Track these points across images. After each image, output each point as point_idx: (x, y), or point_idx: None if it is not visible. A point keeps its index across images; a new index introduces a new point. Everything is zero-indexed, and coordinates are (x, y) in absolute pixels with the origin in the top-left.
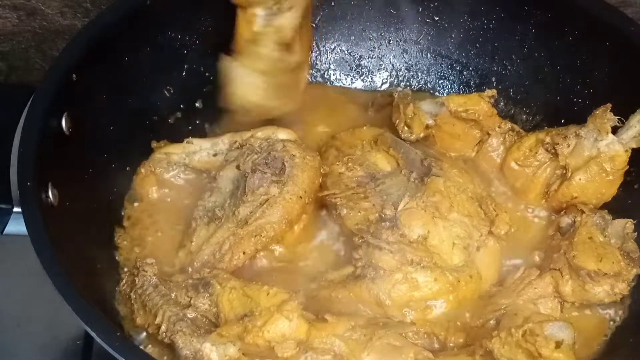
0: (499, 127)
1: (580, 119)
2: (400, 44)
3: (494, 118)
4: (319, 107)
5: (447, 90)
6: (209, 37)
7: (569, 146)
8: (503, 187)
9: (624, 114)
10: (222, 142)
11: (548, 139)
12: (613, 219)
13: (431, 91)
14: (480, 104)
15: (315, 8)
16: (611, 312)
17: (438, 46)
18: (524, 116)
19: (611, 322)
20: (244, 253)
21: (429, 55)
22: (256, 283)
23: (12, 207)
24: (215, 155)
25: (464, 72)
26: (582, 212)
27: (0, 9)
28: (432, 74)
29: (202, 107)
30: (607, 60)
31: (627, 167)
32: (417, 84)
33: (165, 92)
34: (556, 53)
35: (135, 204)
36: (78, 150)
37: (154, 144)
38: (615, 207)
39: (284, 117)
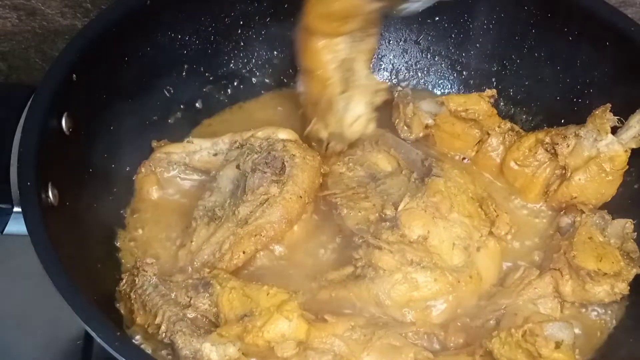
0: (499, 126)
1: (580, 119)
2: (400, 44)
3: (494, 118)
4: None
5: (447, 90)
6: (209, 37)
7: (568, 146)
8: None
9: (623, 114)
10: (223, 142)
11: (548, 139)
12: (613, 219)
13: (432, 91)
14: (480, 104)
15: None
16: (611, 312)
17: (438, 46)
18: (524, 116)
19: (611, 322)
20: (243, 253)
21: (429, 55)
22: (256, 283)
23: (12, 207)
24: (215, 154)
25: (464, 72)
26: (582, 212)
27: (0, 9)
28: (432, 74)
29: (202, 107)
30: (607, 60)
31: (627, 167)
32: (417, 84)
33: (165, 92)
34: (556, 53)
35: (135, 204)
36: (78, 150)
37: (154, 144)
38: (615, 207)
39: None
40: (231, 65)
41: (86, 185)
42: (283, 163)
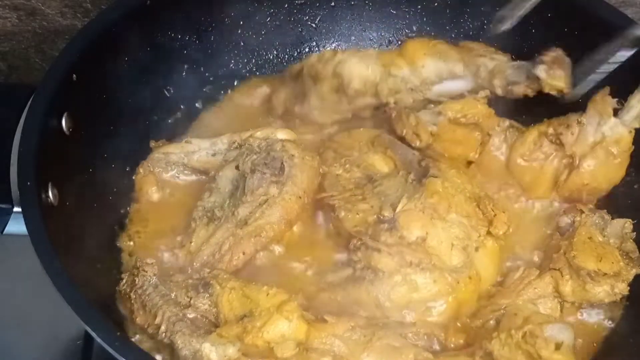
0: (498, 125)
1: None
2: (400, 44)
3: (493, 118)
4: None
5: None
6: (209, 37)
7: (573, 134)
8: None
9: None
10: (221, 142)
11: (551, 130)
12: (612, 218)
13: None
14: (477, 107)
15: (315, 8)
16: (611, 312)
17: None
18: (524, 116)
19: (610, 323)
20: (243, 253)
21: None
22: (256, 283)
23: (12, 207)
24: (214, 155)
25: None
26: (582, 212)
27: (0, 9)
28: None
29: (202, 107)
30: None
31: (633, 147)
32: None
33: (165, 92)
34: None
35: (135, 204)
36: (78, 150)
37: (152, 144)
38: (615, 207)
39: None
40: (231, 65)
41: (86, 185)
42: (282, 163)
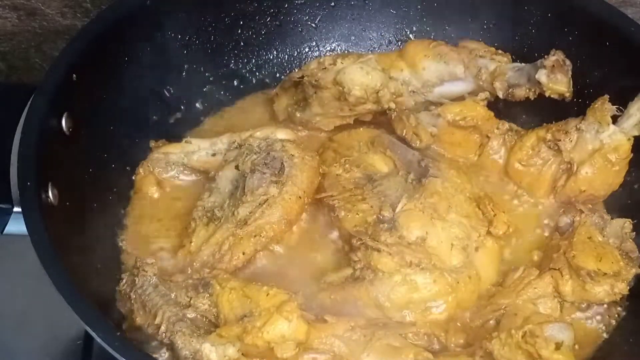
0: (498, 128)
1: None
2: (400, 44)
3: (492, 120)
4: None
5: None
6: (209, 37)
7: (571, 141)
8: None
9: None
10: (221, 142)
11: (549, 136)
12: (612, 218)
13: None
14: (477, 109)
15: (315, 8)
16: (610, 311)
17: None
18: (524, 116)
19: (610, 322)
20: (243, 253)
21: None
22: (256, 283)
23: (12, 207)
24: (214, 155)
25: None
26: (581, 212)
27: (0, 9)
28: None
29: (202, 107)
30: (607, 60)
31: (632, 155)
32: None
33: (165, 92)
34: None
35: (135, 204)
36: (78, 150)
37: (152, 144)
38: (615, 207)
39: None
40: (231, 65)
41: (86, 185)
42: (282, 163)
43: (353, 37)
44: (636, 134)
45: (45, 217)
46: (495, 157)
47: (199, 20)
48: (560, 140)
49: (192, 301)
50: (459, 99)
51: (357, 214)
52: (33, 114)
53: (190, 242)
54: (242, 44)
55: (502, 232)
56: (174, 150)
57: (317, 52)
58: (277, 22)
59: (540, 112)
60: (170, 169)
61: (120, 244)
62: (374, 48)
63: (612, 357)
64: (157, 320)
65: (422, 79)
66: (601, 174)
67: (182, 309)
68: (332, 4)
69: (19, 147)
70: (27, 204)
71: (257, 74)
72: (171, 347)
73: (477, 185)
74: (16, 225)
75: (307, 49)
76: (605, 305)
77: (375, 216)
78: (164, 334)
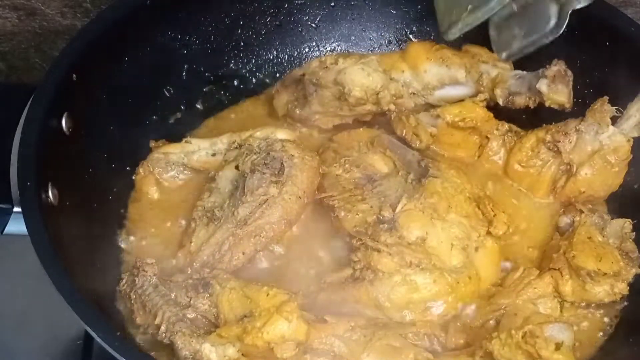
0: (497, 129)
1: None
2: (400, 44)
3: (491, 121)
4: None
5: None
6: (209, 37)
7: (570, 142)
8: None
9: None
10: (221, 142)
11: (549, 137)
12: (612, 218)
13: None
14: (476, 110)
15: (315, 8)
16: (611, 312)
17: None
18: (524, 116)
19: (610, 322)
20: (243, 254)
21: None
22: (256, 284)
23: (12, 207)
24: (214, 155)
25: None
26: (581, 212)
27: (0, 9)
28: None
29: (202, 107)
30: (607, 60)
31: (631, 155)
32: None
33: (165, 92)
34: (556, 53)
35: (135, 204)
36: (78, 150)
37: (152, 144)
38: (615, 207)
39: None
40: (231, 65)
41: (86, 185)
42: (282, 163)
43: (353, 37)
44: (636, 135)
45: (45, 217)
46: (495, 158)
47: (199, 20)
48: (559, 141)
49: (192, 301)
50: (458, 101)
51: (357, 214)
52: (33, 114)
53: (190, 242)
54: (242, 44)
55: (502, 232)
56: (174, 150)
57: (317, 52)
58: (277, 22)
59: (540, 113)
60: (170, 169)
61: (120, 243)
62: (374, 48)
63: (612, 357)
64: (157, 321)
65: (423, 81)
66: (601, 175)
67: (182, 309)
68: (332, 4)
69: (19, 147)
70: (27, 204)
71: (257, 74)
72: (171, 348)
73: (477, 185)
74: (16, 225)
75: (307, 49)
76: (605, 305)
77: (375, 216)
78: (164, 334)
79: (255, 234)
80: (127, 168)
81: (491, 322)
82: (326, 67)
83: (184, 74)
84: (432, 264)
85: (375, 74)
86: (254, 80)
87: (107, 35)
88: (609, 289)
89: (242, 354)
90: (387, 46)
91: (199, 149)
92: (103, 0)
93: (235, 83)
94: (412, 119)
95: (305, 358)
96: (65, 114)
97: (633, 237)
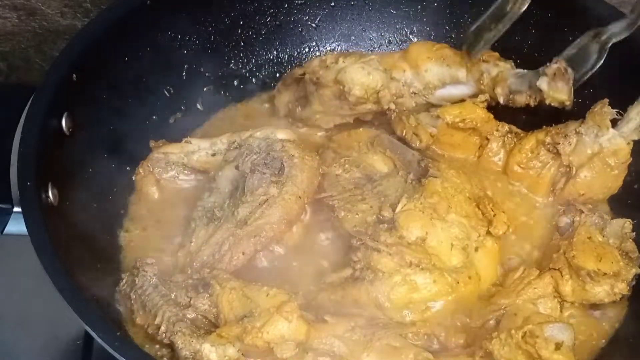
0: (497, 130)
1: (579, 118)
2: (400, 44)
3: (491, 122)
4: None
5: None
6: (209, 37)
7: (570, 145)
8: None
9: (623, 110)
10: (221, 142)
11: (548, 139)
12: (612, 218)
13: None
14: (476, 111)
15: (315, 8)
16: (611, 312)
17: None
18: (524, 116)
19: (610, 322)
20: (243, 254)
21: None
22: (256, 284)
23: (12, 207)
24: (214, 155)
25: None
26: (581, 212)
27: (0, 9)
28: None
29: (202, 108)
30: (607, 62)
31: (631, 159)
32: None
33: (165, 92)
34: (556, 53)
35: (135, 204)
36: (78, 150)
37: (152, 144)
38: (615, 207)
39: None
40: (231, 65)
41: (86, 185)
42: (282, 163)
43: (353, 37)
44: (636, 138)
45: (45, 217)
46: (495, 159)
47: (199, 20)
48: (559, 143)
49: (192, 301)
50: (459, 101)
51: (356, 214)
52: (33, 114)
53: (190, 242)
54: (242, 44)
55: (502, 232)
56: (173, 150)
57: (317, 52)
58: (277, 22)
59: (540, 114)
60: (170, 169)
61: (120, 243)
62: (374, 48)
63: (612, 358)
64: (157, 321)
65: (424, 80)
66: (600, 178)
67: (182, 309)
68: (332, 4)
69: (19, 147)
70: (27, 204)
71: (257, 74)
72: (171, 347)
73: (477, 185)
74: (16, 225)
75: (307, 49)
76: (605, 306)
77: (375, 216)
78: (164, 334)
79: (255, 234)
80: (127, 168)
81: (491, 322)
82: (327, 66)
83: (184, 74)
84: (432, 264)
85: (375, 73)
86: (254, 80)
87: (107, 35)
88: (609, 289)
89: (242, 354)
90: (387, 46)
91: (199, 149)
92: (103, 0)
93: (235, 83)
94: (412, 119)
95: (306, 358)
96: (65, 114)
97: (633, 237)
